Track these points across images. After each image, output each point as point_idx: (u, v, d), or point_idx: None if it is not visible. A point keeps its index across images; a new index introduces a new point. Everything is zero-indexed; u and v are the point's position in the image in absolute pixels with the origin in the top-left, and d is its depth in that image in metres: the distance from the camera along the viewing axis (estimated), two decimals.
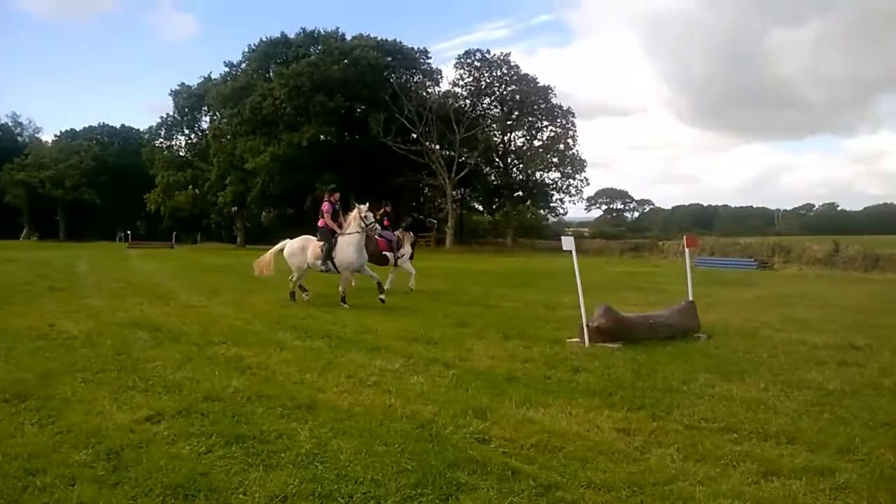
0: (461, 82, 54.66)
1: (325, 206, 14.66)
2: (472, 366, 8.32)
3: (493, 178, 58.82)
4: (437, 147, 52.52)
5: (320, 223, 14.59)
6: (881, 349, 9.54)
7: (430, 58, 57.26)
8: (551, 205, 59.02)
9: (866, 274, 25.90)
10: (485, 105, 55.88)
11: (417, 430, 5.59)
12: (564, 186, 56.58)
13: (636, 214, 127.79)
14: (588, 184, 58.83)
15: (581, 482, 4.51)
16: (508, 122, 55.47)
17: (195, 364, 8.12)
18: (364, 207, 14.25)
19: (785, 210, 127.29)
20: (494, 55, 54.41)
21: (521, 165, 56.59)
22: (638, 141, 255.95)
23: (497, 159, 57.55)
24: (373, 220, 14.44)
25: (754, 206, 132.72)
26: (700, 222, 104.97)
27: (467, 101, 54.67)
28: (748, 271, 28.03)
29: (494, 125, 55.95)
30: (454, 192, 53.54)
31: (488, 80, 54.53)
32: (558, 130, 55.25)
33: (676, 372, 7.93)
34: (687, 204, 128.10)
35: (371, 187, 51.58)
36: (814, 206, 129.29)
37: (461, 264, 32.19)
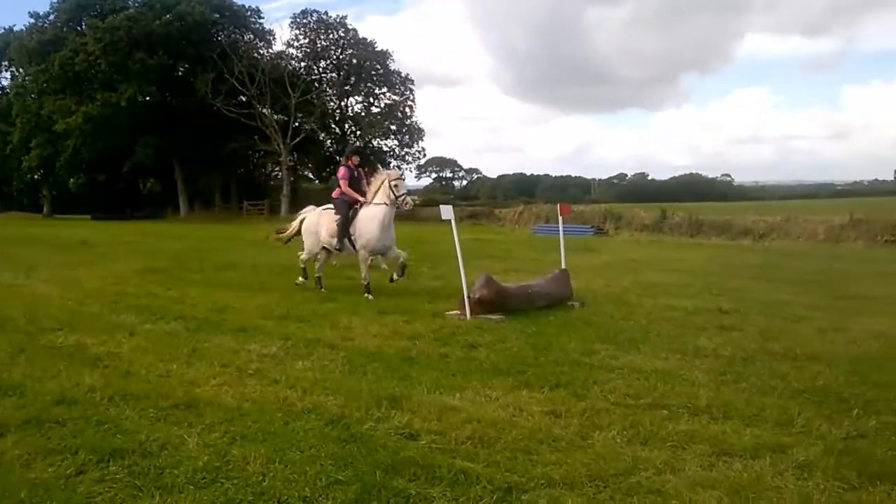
0: (296, 44, 52.46)
1: (341, 171, 11.84)
2: (360, 346, 7.63)
3: (329, 144, 57.19)
4: (271, 111, 50.11)
5: (335, 193, 11.82)
6: (749, 312, 9.86)
7: (263, 17, 54.49)
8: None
9: (693, 239, 27.57)
10: (321, 68, 54.02)
11: (329, 427, 4.86)
12: (402, 154, 56.20)
13: (465, 182, 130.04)
14: (425, 153, 58.94)
15: (539, 480, 4.01)
16: (346, 88, 53.97)
17: (31, 357, 6.85)
18: (395, 174, 11.51)
19: (600, 179, 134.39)
20: (331, 17, 52.66)
21: (358, 132, 55.37)
22: (466, 111, 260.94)
23: (334, 125, 55.98)
24: (405, 190, 11.41)
25: (573, 175, 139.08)
26: (524, 190, 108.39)
27: (302, 64, 52.57)
28: (586, 237, 28.97)
29: (331, 90, 54.23)
30: (289, 159, 51.44)
31: (325, 43, 52.66)
32: (397, 98, 54.64)
33: (571, 343, 7.67)
34: (511, 173, 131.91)
35: (199, 153, 48.62)
36: (626, 175, 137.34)
37: None
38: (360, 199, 11.40)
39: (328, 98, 54.08)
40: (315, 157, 57.22)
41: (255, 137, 49.98)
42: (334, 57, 53.49)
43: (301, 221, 12.64)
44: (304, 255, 12.49)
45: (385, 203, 11.14)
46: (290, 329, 8.52)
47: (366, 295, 11.24)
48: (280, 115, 50.77)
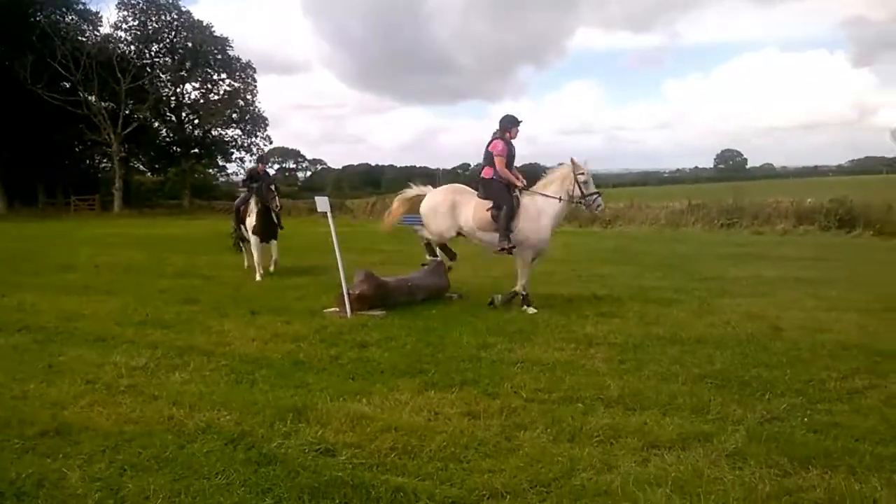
0: (125, 26, 48.81)
1: (498, 146, 9.32)
2: (239, 351, 7.03)
3: (165, 133, 53.92)
4: (99, 98, 46.41)
5: (486, 173, 9.40)
6: (621, 297, 10.10)
7: None
8: (226, 163, 56.06)
9: None
10: (153, 52, 50.60)
11: (232, 448, 4.34)
12: (246, 144, 54.00)
13: (309, 173, 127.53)
14: (271, 142, 57.05)
15: (481, 491, 3.73)
16: (181, 73, 50.73)
17: None
18: (582, 167, 9.30)
19: (445, 169, 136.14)
20: None
21: (196, 121, 52.57)
22: (304, 100, 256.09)
23: (169, 113, 52.78)
24: (595, 190, 9.37)
25: (417, 165, 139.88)
26: (370, 181, 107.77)
27: (132, 48, 49.06)
28: None
29: (165, 75, 50.92)
30: (121, 150, 47.89)
31: (156, 26, 49.31)
32: (237, 84, 52.28)
33: (464, 338, 7.46)
34: (356, 163, 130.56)
35: (19, 144, 44.24)
36: (469, 164, 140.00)
37: (141, 230, 28.92)
38: (519, 182, 9.42)
39: (162, 84, 50.75)
40: (149, 147, 53.64)
41: (82, 127, 46.04)
42: (167, 40, 50.31)
43: (411, 199, 10.50)
44: (424, 238, 10.27)
45: (559, 197, 9.30)
46: (155, 336, 7.75)
47: (525, 308, 9.12)
48: (110, 103, 47.14)
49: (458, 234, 9.84)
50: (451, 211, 9.70)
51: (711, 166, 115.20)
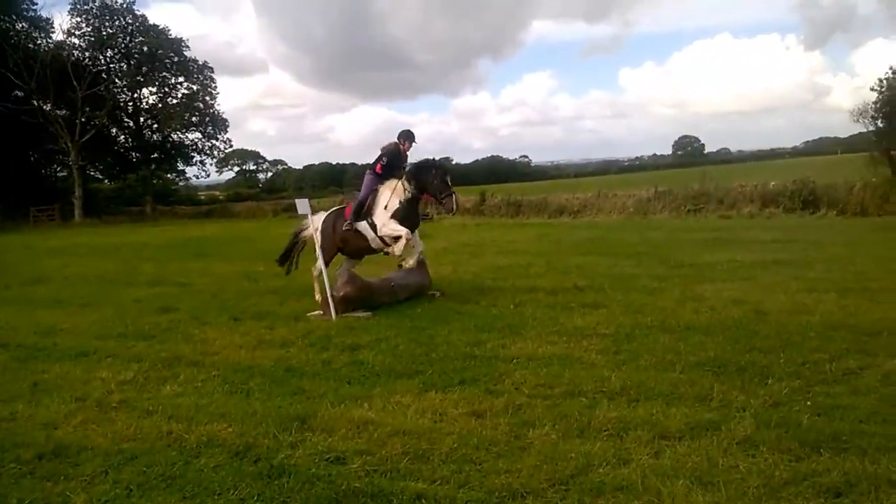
0: (78, 32, 47.65)
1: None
2: (228, 360, 6.92)
3: (124, 140, 52.83)
4: (54, 107, 45.25)
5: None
6: (603, 287, 10.13)
7: (37, 3, 48.88)
8: (186, 167, 55.08)
9: (514, 219, 28.43)
10: (108, 58, 49.47)
11: (240, 461, 4.25)
12: (207, 148, 53.20)
13: (270, 174, 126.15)
14: (231, 145, 56.29)
15: (502, 493, 3.70)
16: (138, 78, 49.78)
17: None
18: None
19: (405, 166, 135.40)
20: (117, 2, 48.24)
21: (156, 125, 51.62)
22: (261, 100, 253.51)
23: (127, 119, 51.72)
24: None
25: None
26: (332, 180, 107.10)
27: (87, 54, 47.91)
28: None
29: (121, 81, 49.86)
30: (79, 159, 46.78)
31: (111, 31, 48.20)
32: (195, 87, 51.37)
33: (453, 335, 7.44)
34: (317, 163, 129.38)
35: None
36: (433, 159, 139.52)
37: (106, 239, 28.32)
38: None
39: (119, 90, 49.73)
40: (107, 154, 52.42)
41: (39, 136, 44.89)
42: (123, 45, 49.25)
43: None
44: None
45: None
46: (139, 348, 7.60)
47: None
48: (66, 111, 45.99)
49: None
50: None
51: (670, 153, 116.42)
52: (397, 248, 9.99)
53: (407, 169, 10.41)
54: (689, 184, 27.70)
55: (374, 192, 10.30)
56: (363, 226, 10.17)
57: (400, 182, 10.15)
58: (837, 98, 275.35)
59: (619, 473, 3.88)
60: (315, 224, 10.24)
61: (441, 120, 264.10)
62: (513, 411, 4.96)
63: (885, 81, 27.39)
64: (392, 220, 10.03)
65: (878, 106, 27.31)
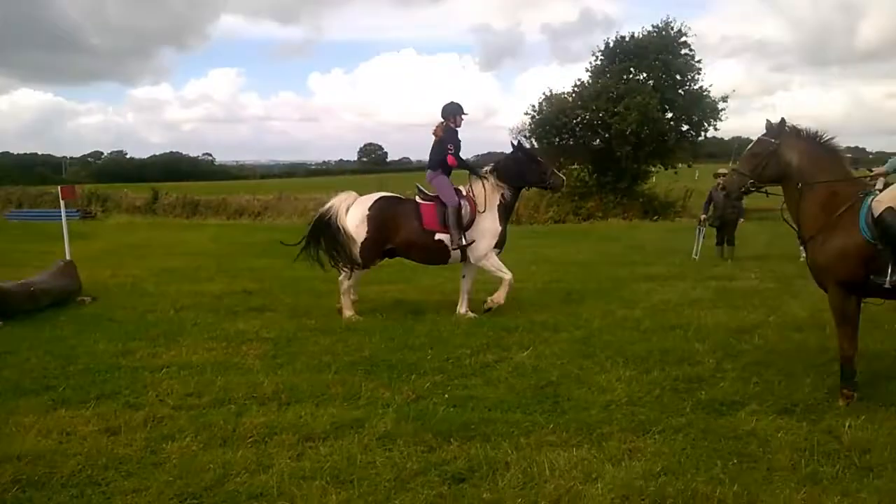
0: None
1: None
2: None
3: None
4: None
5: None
6: (274, 290, 10.05)
7: None
8: None
9: (190, 220, 27.06)
10: None
11: None
12: None
13: None
14: None
15: None
16: None
17: None
18: None
19: (72, 157, 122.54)
20: None
21: None
22: None
23: None
24: None
25: (39, 153, 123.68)
26: None
27: None
28: (73, 222, 26.15)
29: None
30: None
31: None
32: None
33: (100, 345, 6.82)
34: None
35: None
36: (102, 153, 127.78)
37: None
38: None
39: None
40: None
41: None
42: None
43: None
44: None
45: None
46: None
47: None
48: None
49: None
50: None
51: (355, 159, 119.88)
52: (499, 297, 8.13)
53: (499, 165, 8.42)
54: (369, 189, 28.63)
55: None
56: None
57: (490, 183, 8.24)
58: (504, 117, 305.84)
59: (258, 480, 3.78)
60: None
61: (115, 110, 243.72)
62: (152, 425, 4.62)
63: (538, 105, 30.79)
64: (494, 250, 8.21)
65: (532, 127, 30.58)
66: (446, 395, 5.17)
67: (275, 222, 25.84)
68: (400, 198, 8.52)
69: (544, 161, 8.64)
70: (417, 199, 8.38)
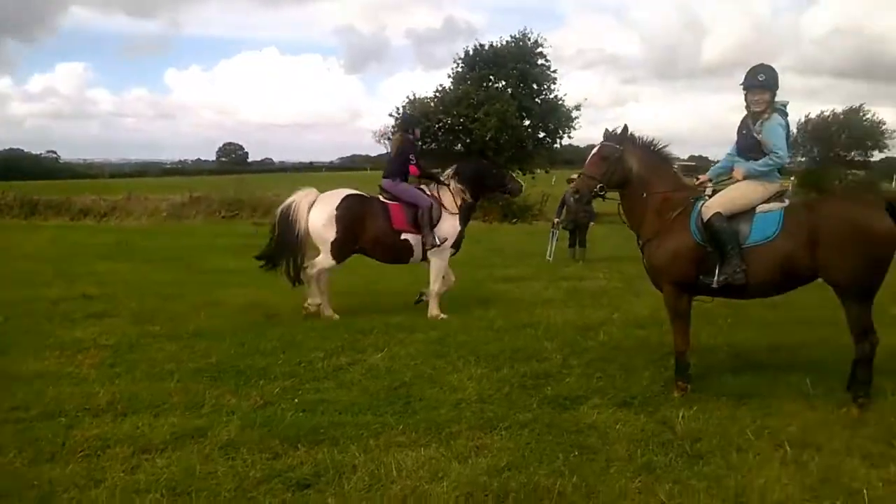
0: None
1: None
2: None
3: None
4: None
5: None
6: (116, 295, 9.49)
7: None
8: None
9: (28, 221, 25.00)
10: None
11: None
12: None
13: None
14: None
15: None
16: None
17: None
18: None
19: None
20: None
21: None
22: None
23: None
24: None
25: None
26: None
27: None
28: None
29: None
30: None
31: None
32: None
33: None
34: None
35: None
36: None
37: None
38: None
39: None
40: None
41: None
42: None
43: None
44: None
45: None
46: None
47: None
48: None
49: None
50: None
51: (214, 159, 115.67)
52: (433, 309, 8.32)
53: (458, 171, 8.64)
54: (227, 190, 27.73)
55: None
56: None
57: (449, 189, 8.52)
58: (370, 120, 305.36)
59: (88, 496, 3.56)
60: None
61: None
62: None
63: (401, 108, 30.93)
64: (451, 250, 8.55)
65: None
66: (296, 400, 5.07)
67: (122, 223, 24.42)
68: (365, 196, 8.46)
69: (503, 168, 9.30)
70: (381, 198, 8.42)
